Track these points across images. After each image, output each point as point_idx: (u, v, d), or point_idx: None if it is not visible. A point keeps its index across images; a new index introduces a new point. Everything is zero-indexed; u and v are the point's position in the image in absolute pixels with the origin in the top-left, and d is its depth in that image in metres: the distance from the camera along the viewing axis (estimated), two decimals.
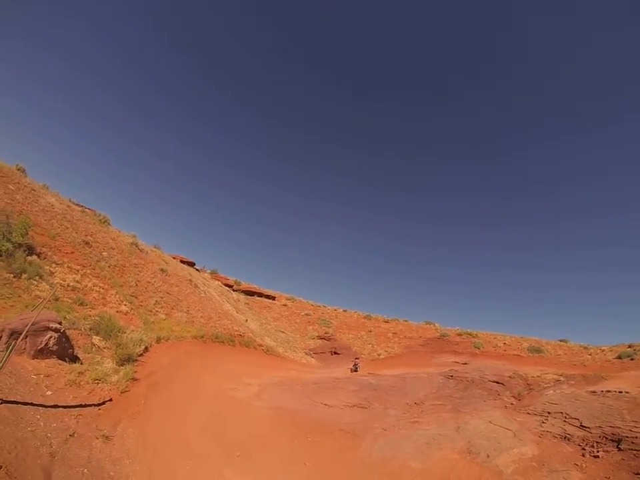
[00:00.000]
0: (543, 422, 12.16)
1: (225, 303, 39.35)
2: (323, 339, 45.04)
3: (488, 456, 10.34)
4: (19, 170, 25.56)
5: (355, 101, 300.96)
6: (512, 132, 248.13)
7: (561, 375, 17.16)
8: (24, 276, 14.28)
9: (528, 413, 13.05)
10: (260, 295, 57.22)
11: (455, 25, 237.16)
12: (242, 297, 52.72)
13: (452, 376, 17.94)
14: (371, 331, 48.01)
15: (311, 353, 40.17)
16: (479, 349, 39.07)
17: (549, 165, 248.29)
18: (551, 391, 14.75)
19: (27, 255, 15.73)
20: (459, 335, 44.48)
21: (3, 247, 14.44)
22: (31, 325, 9.43)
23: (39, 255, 16.82)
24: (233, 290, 53.90)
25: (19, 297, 13.08)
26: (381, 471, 9.94)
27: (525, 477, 9.33)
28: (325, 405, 14.52)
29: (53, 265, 17.44)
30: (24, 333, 8.92)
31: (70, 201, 30.86)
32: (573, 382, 15.62)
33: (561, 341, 43.03)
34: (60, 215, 23.39)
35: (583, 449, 10.36)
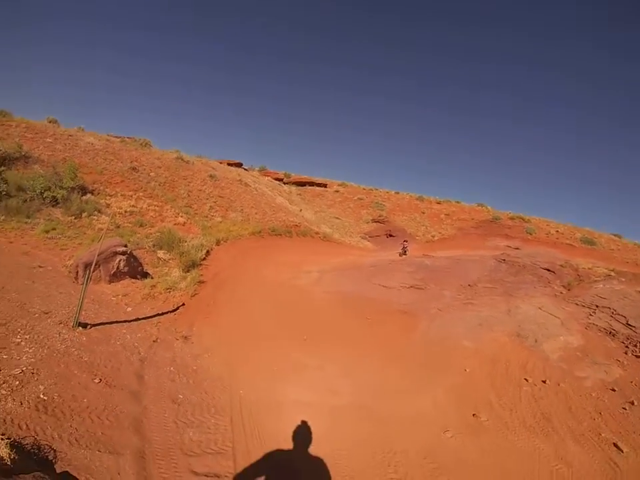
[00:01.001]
0: (590, 314, 11.93)
1: (278, 197, 39.69)
2: (377, 222, 44.15)
3: (536, 341, 10.52)
4: (51, 122, 25.82)
5: None
6: None
7: (612, 271, 16.27)
8: (84, 215, 15.35)
9: (576, 304, 12.77)
10: (311, 184, 55.97)
11: None
12: (293, 188, 52.22)
13: (504, 260, 17.50)
14: (424, 213, 46.77)
15: (366, 236, 39.74)
16: (531, 234, 37.70)
17: None
18: (601, 285, 14.14)
19: (82, 195, 16.67)
20: (511, 219, 42.77)
21: (58, 194, 15.35)
22: (99, 254, 10.32)
23: (92, 192, 17.76)
24: (284, 183, 53.42)
25: (84, 234, 14.23)
26: (437, 349, 10.32)
27: (569, 365, 9.52)
28: (383, 286, 14.61)
29: (107, 197, 18.44)
30: (94, 263, 9.82)
31: (108, 135, 31.12)
32: (623, 279, 14.73)
33: (614, 235, 40.37)
34: (102, 151, 23.91)
35: (627, 346, 10.29)
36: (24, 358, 6.46)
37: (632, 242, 38.65)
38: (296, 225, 29.70)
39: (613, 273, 16.09)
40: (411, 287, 14.71)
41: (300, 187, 54.06)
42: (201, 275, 14.21)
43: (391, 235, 39.52)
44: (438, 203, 51.21)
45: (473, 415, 7.78)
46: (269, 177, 51.44)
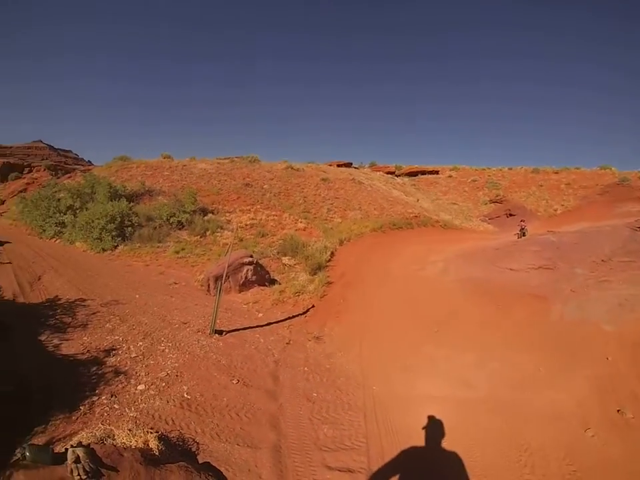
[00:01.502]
0: None
1: (393, 190, 39.59)
2: (495, 202, 42.83)
3: None
4: (165, 158, 29.68)
5: None
6: None
7: None
8: (208, 233, 17.02)
9: None
10: (423, 172, 56.03)
11: None
12: (406, 179, 52.44)
13: (639, 227, 15.06)
14: (541, 185, 44.27)
15: (486, 219, 38.77)
16: None
17: None
18: None
19: (203, 216, 18.56)
20: None
21: (183, 218, 17.29)
22: (227, 266, 11.28)
23: (212, 212, 19.62)
24: (396, 176, 53.79)
25: (211, 250, 15.70)
26: (573, 334, 9.34)
27: None
28: (510, 269, 13.89)
29: (227, 214, 20.18)
30: (224, 275, 10.69)
31: (217, 159, 34.26)
32: None
33: None
34: (215, 173, 26.41)
35: None
36: (168, 362, 7.20)
37: None
38: (415, 216, 29.17)
39: None
40: (539, 267, 13.46)
41: (413, 178, 54.12)
42: (328, 276, 14.49)
43: (511, 214, 37.53)
44: (556, 173, 47.95)
45: (618, 410, 6.57)
46: (381, 172, 51.93)
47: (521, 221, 27.51)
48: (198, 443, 5.15)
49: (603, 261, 13.12)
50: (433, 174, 55.72)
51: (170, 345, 8.04)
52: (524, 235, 23.94)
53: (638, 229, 15.20)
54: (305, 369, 8.13)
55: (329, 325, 10.77)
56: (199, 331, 9.00)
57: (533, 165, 52.96)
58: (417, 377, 8.02)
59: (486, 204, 43.55)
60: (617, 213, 29.22)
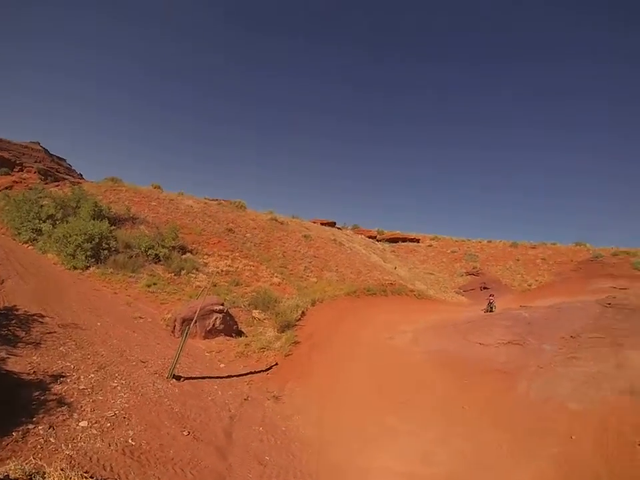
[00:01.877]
0: None
1: (372, 255, 40.25)
2: (472, 274, 44.10)
3: None
4: (155, 188, 29.84)
5: None
6: None
7: None
8: (183, 272, 16.70)
9: None
10: (404, 239, 57.48)
11: None
12: (387, 245, 53.66)
13: (610, 304, 15.65)
14: (518, 260, 46.28)
15: (461, 290, 39.71)
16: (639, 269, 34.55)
17: None
18: None
19: (181, 254, 18.30)
20: (615, 254, 40.39)
21: (160, 253, 17.01)
22: (197, 311, 11.09)
23: (191, 252, 19.37)
24: (377, 240, 55.07)
25: (183, 290, 15.34)
26: (538, 412, 9.48)
27: None
28: (480, 343, 14.18)
29: (205, 257, 19.93)
30: (194, 319, 10.43)
31: (205, 198, 34.46)
32: None
33: None
34: (200, 213, 26.39)
35: None
36: (118, 402, 6.76)
37: None
38: (391, 284, 29.46)
39: None
40: (509, 342, 13.87)
41: (393, 244, 55.41)
42: (296, 335, 14.26)
43: (485, 287, 38.66)
44: (533, 248, 50.18)
45: None
46: (362, 235, 53.19)
47: (490, 295, 27.28)
48: None
49: (572, 337, 13.38)
50: (414, 242, 57.22)
51: (123, 382, 7.58)
52: (491, 310, 23.83)
53: (608, 306, 15.57)
54: (260, 428, 7.80)
55: (290, 386, 10.51)
56: (156, 373, 8.55)
57: (512, 239, 54.99)
58: (378, 448, 7.77)
59: (462, 276, 44.52)
60: (589, 289, 30.19)
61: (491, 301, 25.13)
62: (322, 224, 49.21)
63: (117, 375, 7.80)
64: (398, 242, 56.45)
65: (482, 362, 12.60)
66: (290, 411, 8.98)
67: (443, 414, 9.54)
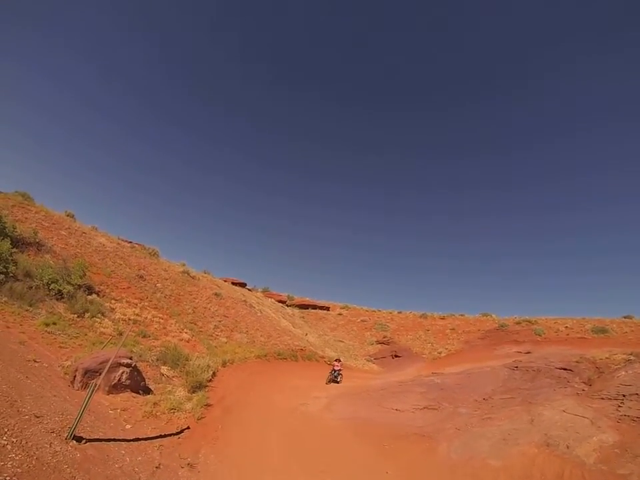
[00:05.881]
0: (619, 406, 11.28)
1: (282, 320, 39.62)
2: (382, 343, 44.96)
3: (567, 447, 9.67)
4: (68, 216, 27.03)
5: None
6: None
7: (631, 354, 15.92)
8: (87, 315, 14.74)
9: (602, 398, 12.18)
10: (314, 307, 57.56)
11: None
12: (296, 311, 53.16)
13: (517, 367, 17.06)
14: (428, 330, 48.03)
15: (372, 358, 40.09)
16: (540, 335, 38.45)
17: None
18: (623, 372, 13.65)
19: (87, 295, 16.25)
20: (518, 323, 44.13)
21: (64, 290, 14.95)
22: (101, 362, 9.89)
23: (97, 294, 17.33)
24: (287, 305, 54.55)
25: (85, 335, 13.40)
26: (462, 472, 9.57)
27: (609, 466, 8.61)
28: (396, 410, 14.20)
29: (112, 301, 17.94)
30: (103, 372, 9.05)
31: (119, 238, 32.05)
32: None
33: (625, 317, 41.73)
34: (112, 253, 24.23)
35: None
36: (9, 465, 5.30)
37: None
38: (301, 349, 29.03)
39: (632, 357, 15.07)
40: (425, 407, 14.12)
41: (303, 310, 55.07)
42: (208, 397, 13.07)
43: (396, 356, 39.35)
44: (442, 319, 52.30)
45: None
46: (273, 299, 52.34)
47: (335, 360, 23.89)
48: None
49: (484, 399, 13.86)
50: (324, 309, 57.33)
51: (14, 440, 6.00)
52: (336, 379, 21.11)
53: (515, 369, 16.42)
54: None
55: (204, 452, 9.41)
56: (53, 432, 6.96)
57: (421, 310, 56.87)
58: None
59: (372, 344, 44.83)
60: (496, 355, 31.87)
61: (336, 368, 21.74)
62: (233, 283, 47.94)
63: (6, 430, 6.18)
64: (308, 308, 56.27)
65: (399, 427, 12.51)
66: None
67: None
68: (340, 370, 21.60)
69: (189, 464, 8.38)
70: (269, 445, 10.74)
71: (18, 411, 7.11)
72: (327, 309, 58.06)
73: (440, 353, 39.77)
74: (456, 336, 44.40)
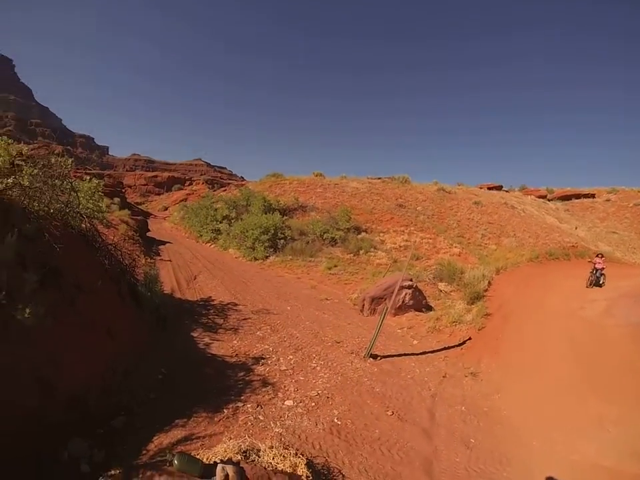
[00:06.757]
0: None
1: (546, 216, 35.80)
2: None
3: None
4: (317, 176, 30.79)
5: None
6: None
7: None
8: (361, 252, 16.77)
9: None
10: (577, 196, 49.50)
11: None
12: (559, 204, 46.92)
13: None
14: None
15: None
16: None
17: None
18: None
19: (357, 235, 18.42)
20: None
21: (336, 235, 17.36)
22: (385, 288, 11.03)
23: (365, 231, 19.40)
24: (548, 200, 48.63)
25: (364, 269, 15.34)
26: None
27: None
28: None
29: (380, 234, 19.76)
30: (393, 297, 10.25)
31: (368, 178, 34.45)
32: None
33: None
34: (367, 193, 26.43)
35: None
36: (319, 382, 6.79)
37: None
38: (572, 246, 25.54)
39: None
40: None
41: (566, 202, 48.30)
42: (486, 307, 13.01)
43: None
44: None
45: None
46: (532, 196, 47.53)
47: (597, 256, 16.86)
48: (344, 476, 4.49)
49: None
50: (588, 197, 49.20)
51: (322, 363, 7.66)
52: (598, 279, 15.72)
53: None
54: (463, 408, 7.05)
55: (485, 361, 9.49)
56: (352, 353, 8.51)
57: None
58: (580, 438, 6.39)
59: None
60: None
61: (598, 267, 15.54)
62: (489, 188, 45.61)
63: (314, 355, 7.96)
64: (571, 199, 48.87)
65: None
66: (488, 389, 8.02)
67: None
68: (603, 269, 15.86)
69: (472, 373, 8.74)
70: (548, 354, 9.98)
71: (321, 339, 8.93)
72: (592, 196, 48.69)
73: None
74: None
